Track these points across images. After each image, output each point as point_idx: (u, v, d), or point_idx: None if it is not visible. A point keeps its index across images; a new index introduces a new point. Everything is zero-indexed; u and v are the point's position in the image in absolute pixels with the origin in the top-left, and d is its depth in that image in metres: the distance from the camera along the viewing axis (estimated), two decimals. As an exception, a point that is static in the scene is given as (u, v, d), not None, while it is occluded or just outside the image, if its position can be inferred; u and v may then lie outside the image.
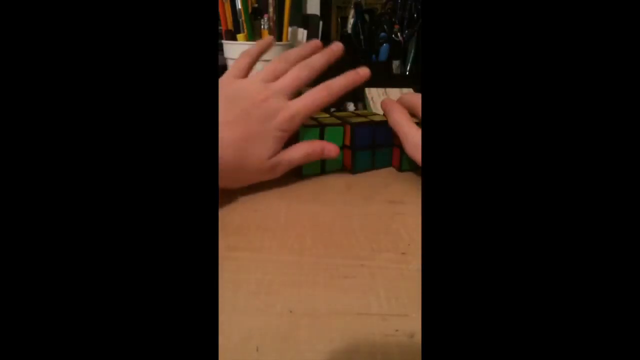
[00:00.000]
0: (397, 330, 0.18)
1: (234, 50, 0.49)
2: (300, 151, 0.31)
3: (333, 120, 0.35)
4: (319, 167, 0.35)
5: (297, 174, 0.34)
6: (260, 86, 0.30)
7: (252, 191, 0.31)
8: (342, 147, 0.35)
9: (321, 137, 0.33)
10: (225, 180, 0.27)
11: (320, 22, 0.63)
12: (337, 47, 0.33)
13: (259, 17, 0.49)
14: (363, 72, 0.32)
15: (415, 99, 0.34)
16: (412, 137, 0.31)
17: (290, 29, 0.51)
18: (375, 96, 0.52)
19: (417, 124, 0.33)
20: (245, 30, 0.48)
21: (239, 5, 0.48)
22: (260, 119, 0.29)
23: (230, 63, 0.51)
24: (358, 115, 0.37)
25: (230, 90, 0.30)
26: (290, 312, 0.19)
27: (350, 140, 0.34)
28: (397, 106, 0.34)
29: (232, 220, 0.27)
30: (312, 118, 0.36)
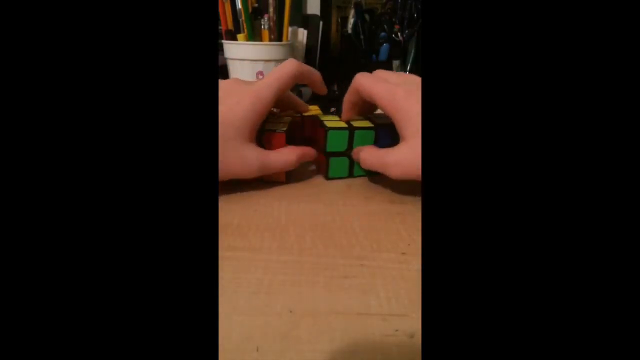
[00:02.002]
0: (397, 330, 0.18)
1: (234, 50, 0.49)
2: (282, 157, 0.31)
3: (363, 123, 0.34)
4: (347, 171, 0.34)
5: (324, 176, 0.34)
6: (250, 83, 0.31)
7: (252, 191, 0.31)
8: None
9: (350, 140, 0.33)
10: None
11: (320, 22, 0.63)
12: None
13: (259, 17, 0.49)
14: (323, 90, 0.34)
15: (360, 81, 0.31)
16: (390, 159, 0.29)
17: (290, 29, 0.51)
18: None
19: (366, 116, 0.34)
20: (245, 30, 0.48)
21: (239, 5, 0.48)
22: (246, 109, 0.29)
23: (230, 63, 0.51)
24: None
25: (227, 86, 0.30)
26: (290, 312, 0.19)
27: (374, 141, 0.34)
28: (363, 155, 0.31)
29: (232, 220, 0.27)
30: (345, 121, 0.35)
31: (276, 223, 0.27)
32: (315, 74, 0.33)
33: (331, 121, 0.34)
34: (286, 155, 0.31)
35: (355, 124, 0.34)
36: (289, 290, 0.20)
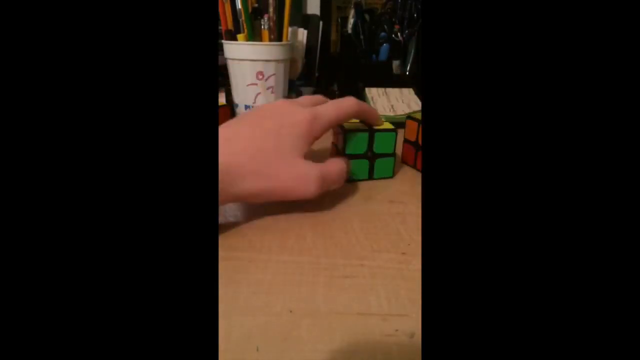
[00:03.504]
0: (397, 330, 0.18)
1: (234, 50, 0.49)
2: (337, 165, 0.29)
3: (384, 125, 0.34)
4: (366, 173, 0.34)
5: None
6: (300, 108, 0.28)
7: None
8: (393, 153, 0.34)
9: (370, 142, 0.32)
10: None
11: (320, 22, 0.63)
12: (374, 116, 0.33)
13: (259, 17, 0.49)
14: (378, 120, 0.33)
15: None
16: None
17: (290, 29, 0.51)
18: (375, 96, 0.52)
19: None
20: (245, 30, 0.48)
21: (239, 5, 0.48)
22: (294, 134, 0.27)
23: (230, 63, 0.51)
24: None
25: (283, 105, 0.29)
26: (290, 312, 0.19)
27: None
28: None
29: (232, 220, 0.27)
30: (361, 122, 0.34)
31: (276, 223, 0.27)
32: (373, 112, 0.33)
33: (350, 122, 0.33)
34: (340, 163, 0.29)
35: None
36: (289, 290, 0.20)
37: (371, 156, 0.33)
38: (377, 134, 0.32)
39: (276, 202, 0.28)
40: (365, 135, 0.32)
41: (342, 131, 0.32)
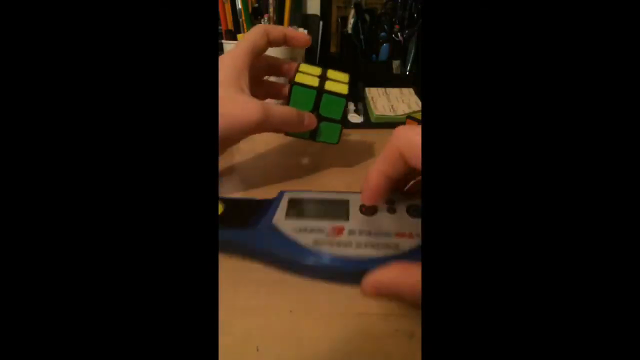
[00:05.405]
0: (397, 330, 0.18)
1: (234, 50, 0.49)
2: (285, 110, 0.29)
3: (338, 87, 0.31)
4: (307, 133, 0.32)
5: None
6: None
7: (253, 189, 0.31)
8: (340, 121, 0.32)
9: (317, 102, 0.30)
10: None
11: (320, 22, 0.63)
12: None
13: (259, 17, 0.49)
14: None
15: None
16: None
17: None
18: (375, 96, 0.52)
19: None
20: (245, 30, 0.48)
21: (239, 5, 0.48)
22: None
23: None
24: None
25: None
26: (290, 312, 0.19)
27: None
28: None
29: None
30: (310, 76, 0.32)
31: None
32: (285, 28, 0.32)
33: (306, 75, 0.31)
34: (289, 110, 0.29)
35: (328, 86, 0.31)
36: (289, 290, 0.20)
37: (316, 117, 0.31)
38: (325, 95, 0.30)
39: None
40: (313, 92, 0.30)
41: (290, 84, 0.30)
